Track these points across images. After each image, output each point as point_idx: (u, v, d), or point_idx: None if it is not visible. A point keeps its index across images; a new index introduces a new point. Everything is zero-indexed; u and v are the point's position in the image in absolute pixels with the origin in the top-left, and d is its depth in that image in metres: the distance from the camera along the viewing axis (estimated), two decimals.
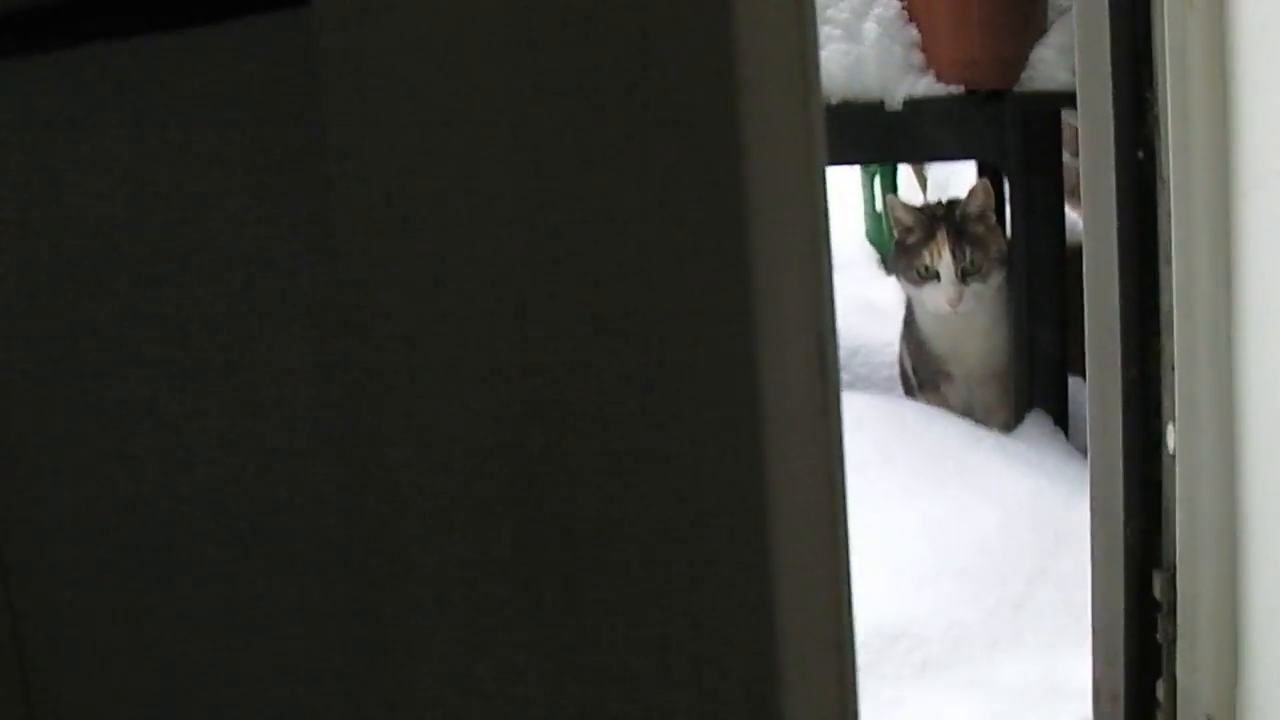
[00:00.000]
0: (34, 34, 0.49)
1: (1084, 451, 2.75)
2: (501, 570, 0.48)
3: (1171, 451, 1.65)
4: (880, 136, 2.98)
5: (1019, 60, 2.86)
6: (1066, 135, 3.03)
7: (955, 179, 3.89)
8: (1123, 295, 1.66)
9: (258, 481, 0.51)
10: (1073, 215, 3.11)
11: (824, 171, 0.50)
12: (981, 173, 3.40)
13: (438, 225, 0.46)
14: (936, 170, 4.39)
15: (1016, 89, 2.87)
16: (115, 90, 0.49)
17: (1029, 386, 3.09)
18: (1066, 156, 3.07)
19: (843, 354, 3.58)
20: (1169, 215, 1.58)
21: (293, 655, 0.52)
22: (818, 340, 0.50)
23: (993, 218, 3.02)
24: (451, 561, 0.49)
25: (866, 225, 4.94)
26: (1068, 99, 2.78)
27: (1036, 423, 3.03)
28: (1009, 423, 3.11)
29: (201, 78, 0.48)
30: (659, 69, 0.44)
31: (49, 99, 0.50)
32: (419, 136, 0.46)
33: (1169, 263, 1.60)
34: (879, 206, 4.65)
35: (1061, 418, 3.07)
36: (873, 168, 4.65)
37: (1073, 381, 3.05)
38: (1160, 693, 1.74)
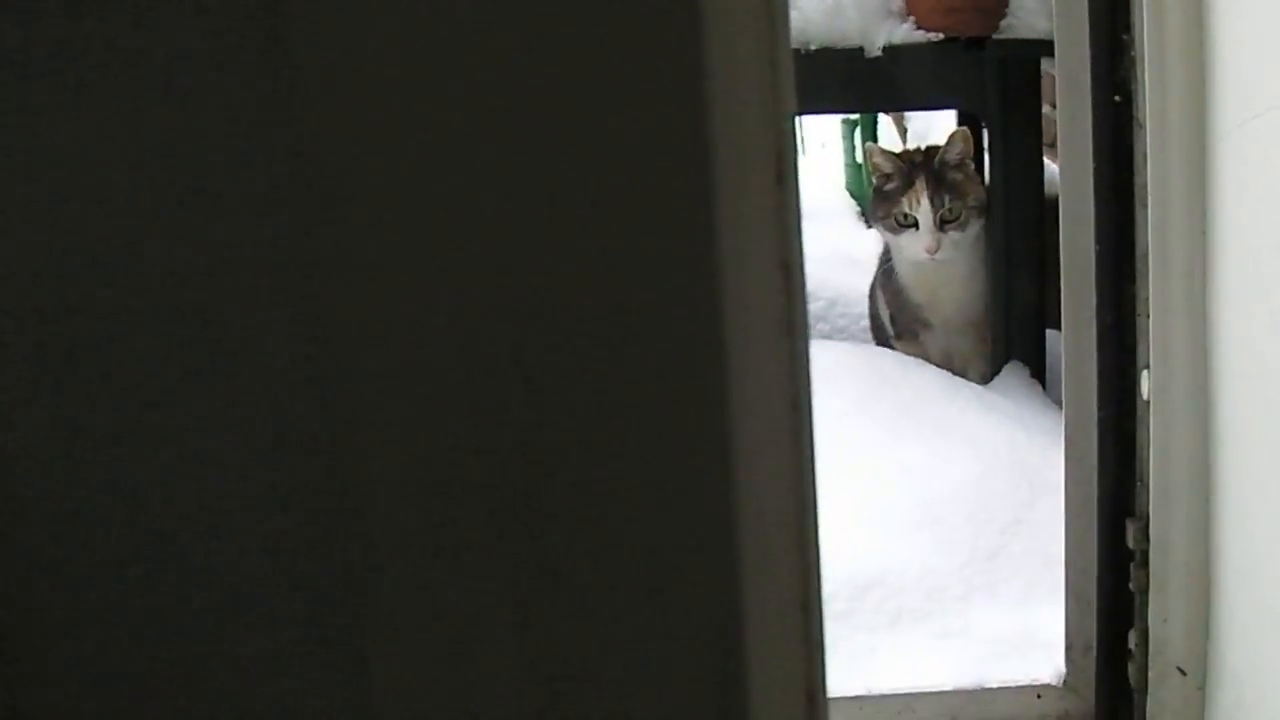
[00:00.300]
0: None
1: (1061, 404, 2.76)
2: (473, 524, 0.48)
3: (1145, 398, 1.64)
4: (859, 85, 2.96)
5: (999, 7, 2.84)
6: (1045, 86, 3.01)
7: (935, 130, 3.87)
8: (1098, 240, 1.64)
9: (234, 474, 0.50)
10: (1052, 167, 3.10)
11: (791, 92, 0.49)
12: (961, 122, 3.38)
13: (401, 186, 0.46)
14: (916, 122, 4.36)
15: (996, 36, 2.85)
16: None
17: (1007, 338, 3.08)
18: (1046, 108, 3.06)
19: (821, 305, 3.57)
20: (1145, 159, 1.57)
21: (269, 647, 0.51)
22: (783, 266, 0.49)
23: (971, 165, 3.01)
24: (426, 542, 0.48)
25: (846, 177, 4.92)
26: (1047, 47, 2.76)
27: (1014, 374, 3.02)
28: (986, 374, 3.10)
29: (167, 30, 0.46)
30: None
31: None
32: (385, 127, 0.45)
33: (1144, 207, 1.58)
34: (859, 158, 4.63)
35: (1039, 370, 3.06)
36: (852, 119, 4.63)
37: (1050, 335, 3.04)
38: (1132, 643, 1.73)
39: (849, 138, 4.81)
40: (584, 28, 0.44)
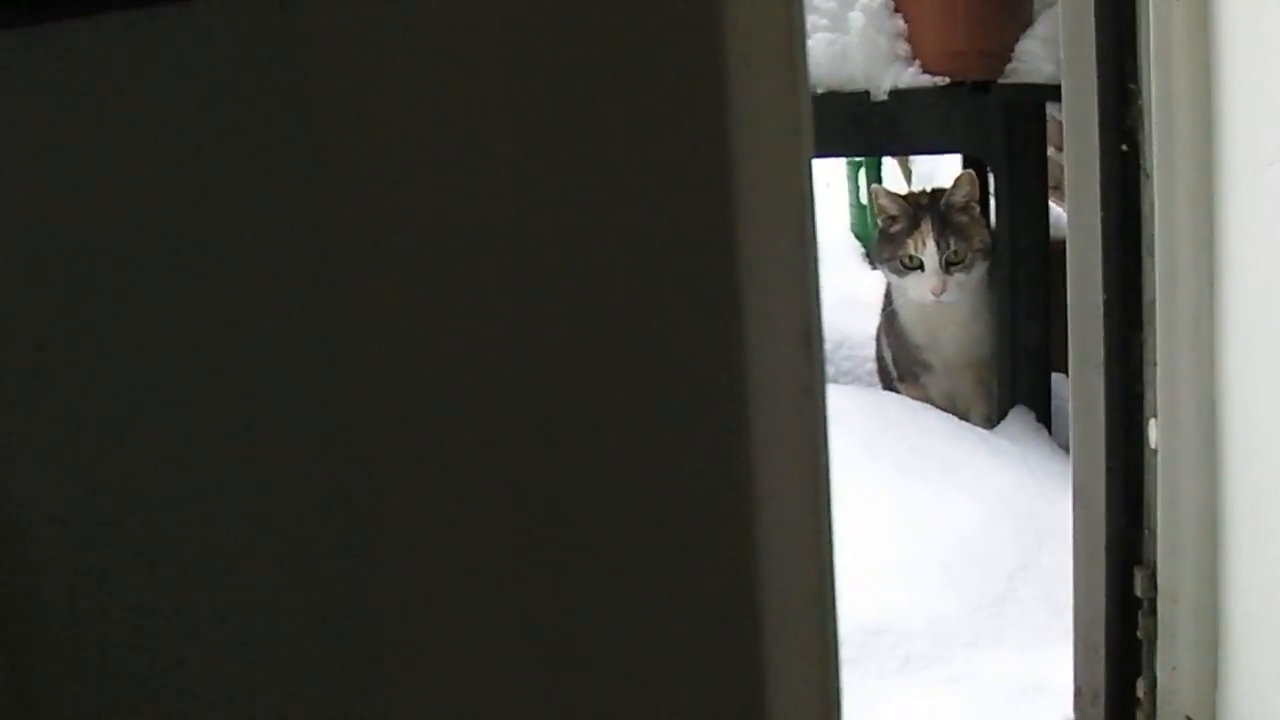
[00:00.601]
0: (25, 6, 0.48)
1: (1067, 448, 2.75)
2: (493, 563, 0.48)
3: (1153, 447, 1.64)
4: (865, 128, 2.96)
5: (1004, 52, 2.85)
6: (1050, 130, 3.02)
7: (940, 171, 3.87)
8: (1106, 288, 1.64)
9: (254, 474, 0.50)
10: (1056, 210, 3.10)
11: (810, 153, 0.49)
12: (966, 165, 3.39)
13: (430, 210, 0.46)
14: (921, 164, 4.37)
15: (1001, 81, 2.86)
16: (105, 64, 0.48)
17: (1012, 382, 3.08)
18: (1050, 151, 3.06)
19: (827, 348, 3.57)
20: (1152, 208, 1.57)
21: (286, 652, 0.51)
22: (803, 323, 0.49)
23: (977, 208, 3.01)
24: (444, 552, 0.48)
25: (851, 218, 4.92)
26: (1053, 91, 2.77)
27: (1019, 418, 3.02)
28: (990, 416, 3.10)
29: (191, 51, 0.47)
30: (648, 52, 0.44)
31: (39, 73, 0.48)
32: (411, 123, 0.45)
33: (1151, 256, 1.58)
34: (864, 199, 4.63)
35: (1045, 414, 3.06)
36: (857, 161, 4.64)
37: (1056, 378, 3.04)
38: (1140, 691, 1.72)
39: (853, 178, 4.82)
40: (606, 90, 0.44)
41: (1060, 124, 3.21)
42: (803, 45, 0.48)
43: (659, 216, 0.45)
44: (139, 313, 0.49)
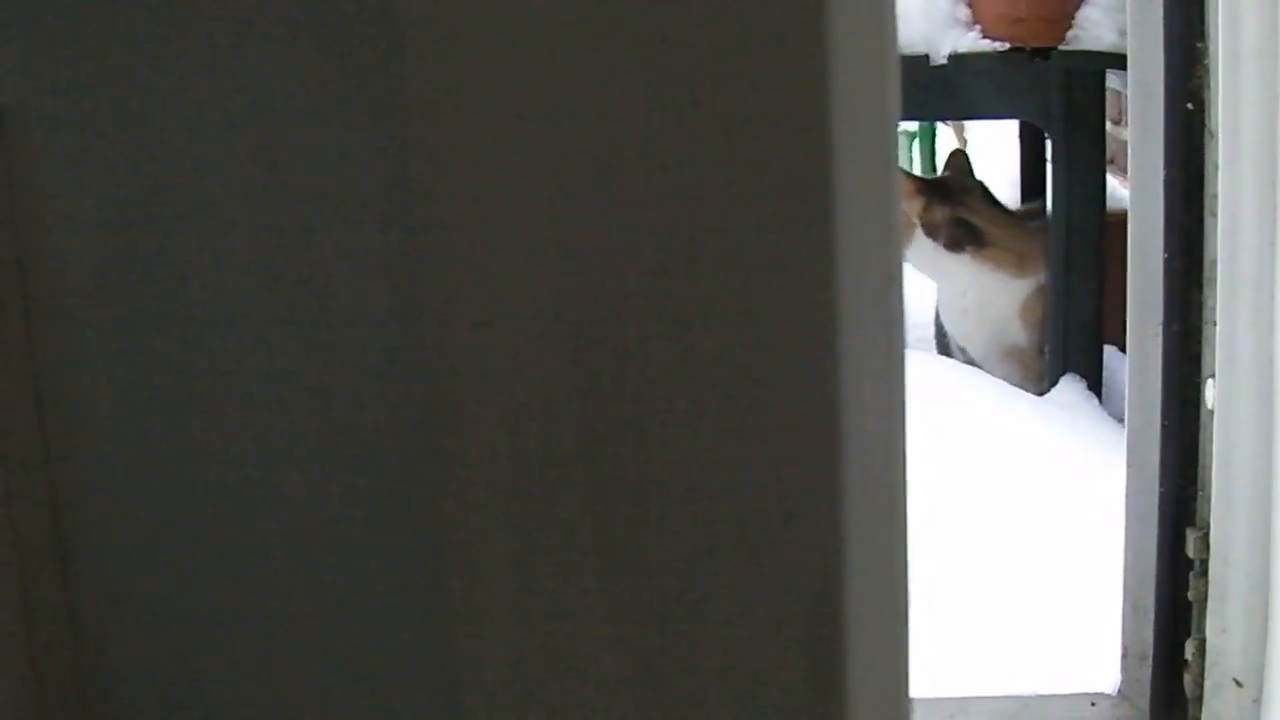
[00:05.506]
0: None
1: (1117, 418, 2.74)
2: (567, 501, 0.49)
3: (1210, 408, 1.64)
4: (923, 93, 2.95)
5: (1065, 18, 2.83)
6: (1109, 101, 3.01)
7: (995, 141, 3.86)
8: (1167, 247, 1.64)
9: (327, 431, 0.51)
10: (1112, 182, 3.09)
11: (897, 118, 0.50)
12: (1023, 133, 3.38)
13: (517, 141, 0.47)
14: (975, 132, 4.35)
15: (1062, 48, 2.84)
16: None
17: (1064, 351, 3.07)
18: (1107, 124, 3.05)
19: None
20: (1216, 168, 1.57)
21: (360, 652, 0.52)
22: (886, 281, 0.50)
23: (979, 186, 3.05)
24: (517, 509, 0.49)
25: None
26: (1113, 60, 2.76)
27: (1070, 386, 3.01)
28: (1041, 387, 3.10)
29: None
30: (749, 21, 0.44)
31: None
32: (501, 96, 0.46)
33: (1214, 216, 1.58)
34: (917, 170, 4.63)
35: (1095, 384, 3.05)
36: (911, 130, 4.62)
37: (1108, 350, 3.03)
38: (1189, 653, 1.73)
39: (907, 148, 4.80)
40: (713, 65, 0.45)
41: (1119, 95, 3.20)
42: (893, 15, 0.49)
43: (755, 175, 0.46)
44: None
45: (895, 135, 0.51)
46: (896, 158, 0.52)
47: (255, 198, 0.49)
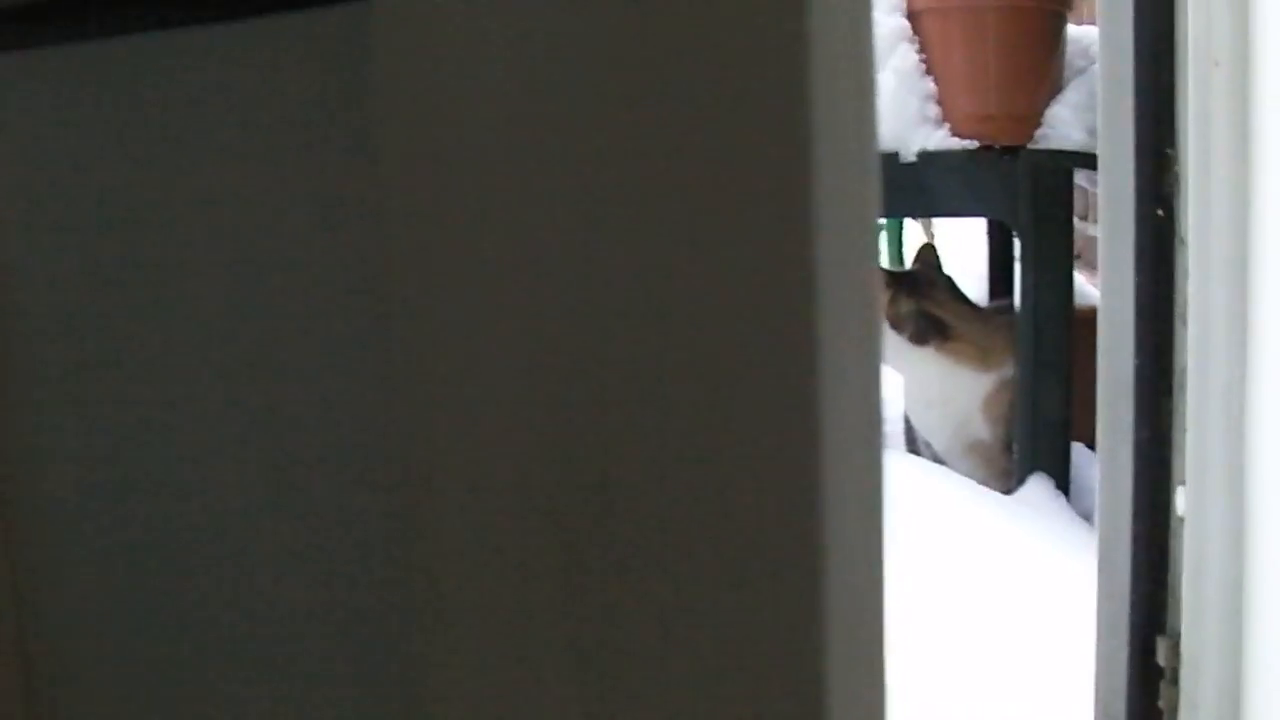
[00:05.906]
0: (76, 23, 0.48)
1: (1086, 517, 2.73)
2: (544, 589, 0.47)
3: (1180, 515, 1.62)
4: (893, 190, 2.97)
5: (1034, 117, 2.85)
6: (1076, 198, 3.03)
7: (962, 237, 3.88)
8: (1138, 354, 1.63)
9: (285, 488, 0.50)
10: (1079, 278, 3.10)
11: (877, 221, 0.49)
12: (991, 231, 3.39)
13: (490, 227, 0.45)
14: (943, 229, 4.38)
15: (1030, 146, 2.87)
16: (155, 83, 0.48)
17: (1032, 449, 3.06)
18: (1075, 221, 3.07)
19: None
20: (1186, 275, 1.57)
21: (316, 665, 0.51)
22: (868, 373, 0.48)
23: (945, 280, 3.07)
24: (490, 576, 0.47)
25: None
26: (1081, 159, 2.78)
27: (1039, 486, 3.00)
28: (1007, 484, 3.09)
29: (246, 73, 0.47)
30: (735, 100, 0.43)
31: (90, 90, 0.49)
32: (479, 143, 0.45)
33: (1184, 324, 1.58)
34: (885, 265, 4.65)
35: (1064, 483, 3.04)
36: (879, 224, 4.64)
37: (1075, 448, 3.03)
38: None
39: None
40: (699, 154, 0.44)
41: (1087, 193, 3.22)
42: (874, 107, 0.48)
43: (741, 267, 0.45)
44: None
45: (876, 226, 0.50)
46: (878, 250, 0.51)
47: (228, 289, 0.48)
